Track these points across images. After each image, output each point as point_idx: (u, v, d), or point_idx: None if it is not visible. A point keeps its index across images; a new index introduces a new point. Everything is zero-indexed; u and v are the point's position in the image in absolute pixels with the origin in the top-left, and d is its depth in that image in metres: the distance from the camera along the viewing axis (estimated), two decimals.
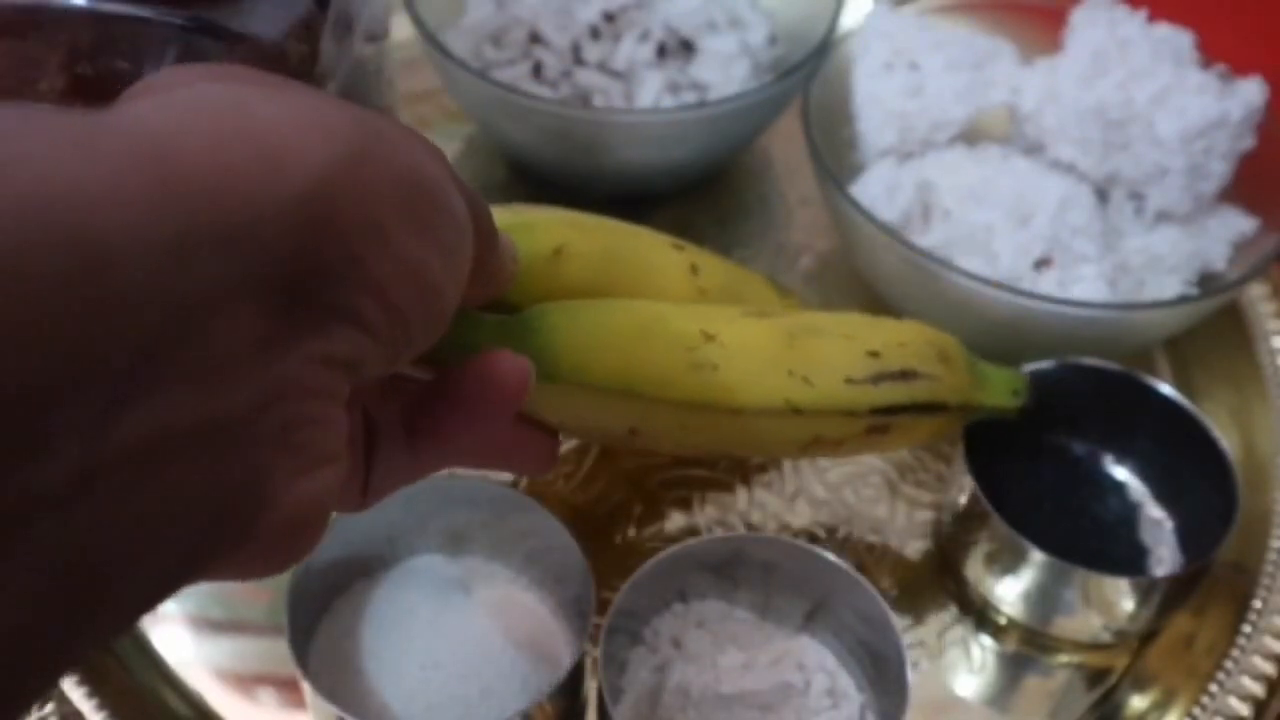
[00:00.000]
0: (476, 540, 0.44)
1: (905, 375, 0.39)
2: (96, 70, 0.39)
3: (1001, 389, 0.43)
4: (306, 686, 0.39)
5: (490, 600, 0.43)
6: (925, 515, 0.50)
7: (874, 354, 0.39)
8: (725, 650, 0.42)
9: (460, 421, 0.29)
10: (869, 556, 0.49)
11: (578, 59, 0.59)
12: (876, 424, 0.39)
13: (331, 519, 0.24)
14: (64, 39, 0.38)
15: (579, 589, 0.41)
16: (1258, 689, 0.45)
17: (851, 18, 0.60)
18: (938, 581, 0.48)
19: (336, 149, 0.21)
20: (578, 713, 0.42)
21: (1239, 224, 0.54)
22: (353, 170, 0.21)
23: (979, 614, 0.47)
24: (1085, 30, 0.54)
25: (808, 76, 0.56)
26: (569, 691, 0.40)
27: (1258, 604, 0.47)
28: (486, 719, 0.40)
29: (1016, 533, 0.43)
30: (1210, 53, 0.54)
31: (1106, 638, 0.45)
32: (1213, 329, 0.55)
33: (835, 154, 0.56)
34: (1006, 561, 0.44)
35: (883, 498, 0.51)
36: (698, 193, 0.63)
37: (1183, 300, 0.52)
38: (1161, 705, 0.45)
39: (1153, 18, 0.55)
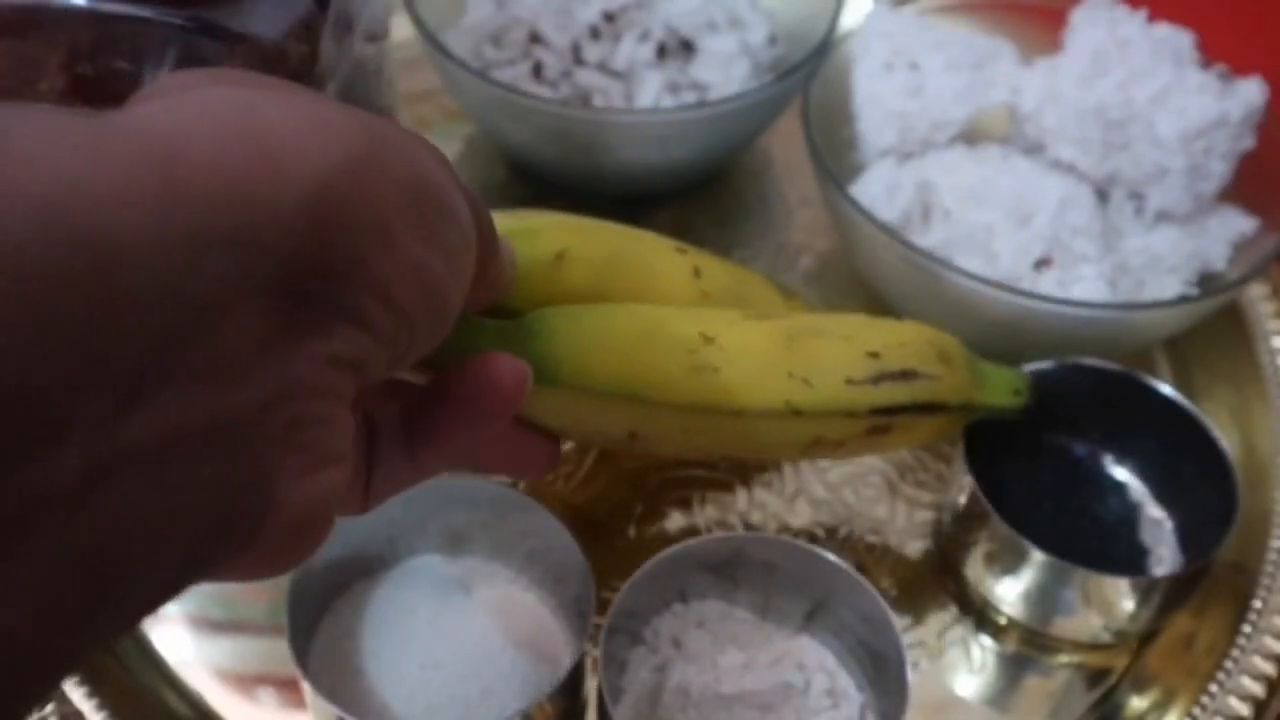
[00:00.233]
0: (476, 540, 0.44)
1: (906, 375, 0.39)
2: (96, 70, 0.39)
3: (1002, 389, 0.43)
4: (306, 686, 0.39)
5: (490, 600, 0.43)
6: (925, 515, 0.50)
7: (874, 354, 0.39)
8: (725, 650, 0.42)
9: (458, 423, 0.29)
10: (869, 556, 0.49)
11: (578, 59, 0.59)
12: (877, 424, 0.39)
13: None
14: (64, 39, 0.38)
15: (579, 589, 0.41)
16: (1258, 689, 0.45)
17: (851, 18, 0.60)
18: (938, 581, 0.48)
19: (341, 152, 0.21)
20: (578, 713, 0.42)
21: (1239, 224, 0.54)
22: (357, 173, 0.21)
23: (979, 614, 0.47)
24: (1085, 30, 0.54)
25: (808, 76, 0.56)
26: (569, 691, 0.40)
27: (1258, 604, 0.47)
28: (486, 719, 0.40)
29: (1016, 533, 0.43)
30: (1210, 53, 0.54)
31: (1106, 638, 0.45)
32: (1213, 329, 0.55)
33: (835, 154, 0.56)
34: (1006, 561, 0.44)
35: (883, 498, 0.51)
36: (698, 193, 0.63)
37: (1183, 300, 0.52)
38: (1161, 705, 0.45)
39: (1153, 18, 0.55)
